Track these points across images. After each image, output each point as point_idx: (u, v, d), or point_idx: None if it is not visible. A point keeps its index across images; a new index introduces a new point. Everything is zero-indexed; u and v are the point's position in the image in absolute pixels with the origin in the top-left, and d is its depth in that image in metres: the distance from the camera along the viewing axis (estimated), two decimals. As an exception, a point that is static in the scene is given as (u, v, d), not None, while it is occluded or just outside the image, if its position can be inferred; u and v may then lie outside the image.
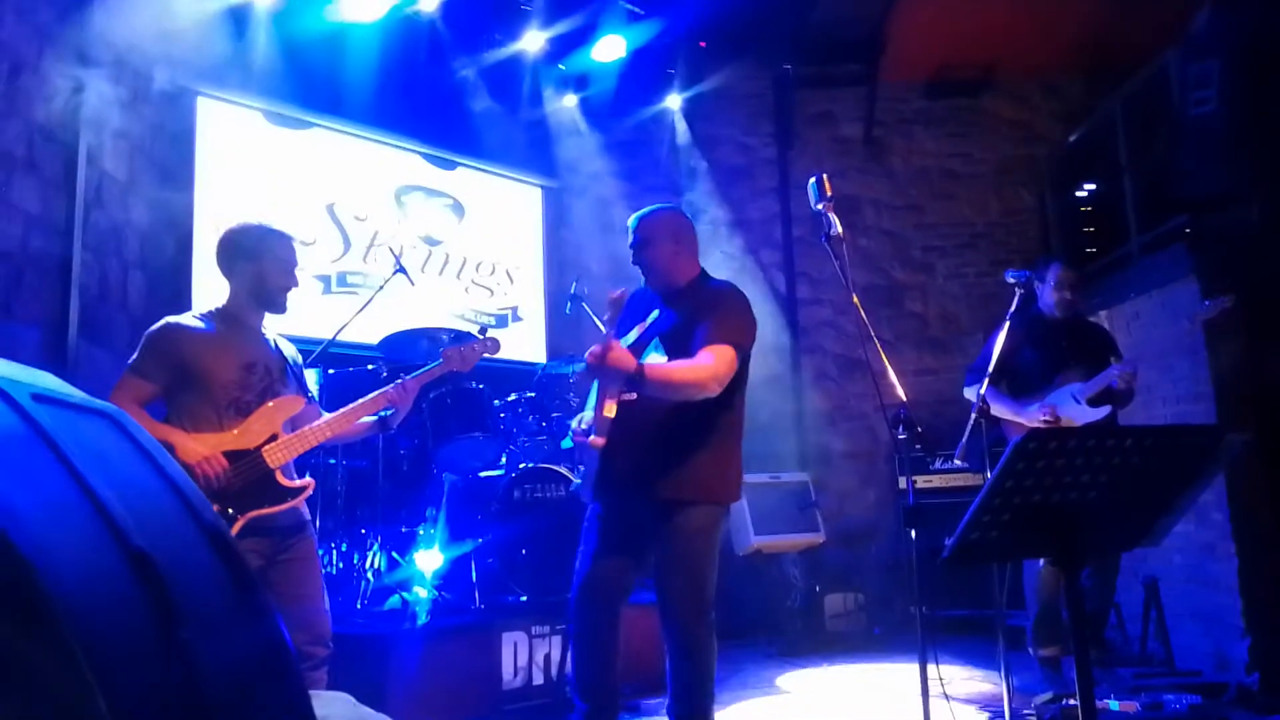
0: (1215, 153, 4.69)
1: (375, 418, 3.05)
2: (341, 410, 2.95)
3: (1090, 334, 4.32)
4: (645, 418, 2.76)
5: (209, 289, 5.07)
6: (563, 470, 4.60)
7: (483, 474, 4.65)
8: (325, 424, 2.90)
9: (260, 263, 2.87)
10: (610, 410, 2.59)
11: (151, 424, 2.69)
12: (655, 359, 2.80)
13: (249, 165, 5.45)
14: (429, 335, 4.67)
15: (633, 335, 2.94)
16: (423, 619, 3.98)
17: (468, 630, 3.99)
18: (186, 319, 2.84)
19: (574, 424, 3.01)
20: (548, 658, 4.12)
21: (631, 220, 3.10)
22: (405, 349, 4.63)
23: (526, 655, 4.06)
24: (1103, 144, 6.00)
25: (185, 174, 5.12)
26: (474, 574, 4.22)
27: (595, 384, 2.76)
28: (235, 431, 2.73)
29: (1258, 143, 4.61)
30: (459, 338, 3.26)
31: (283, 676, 0.80)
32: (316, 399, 3.20)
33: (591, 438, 2.69)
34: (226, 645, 0.76)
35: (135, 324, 4.63)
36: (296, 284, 2.97)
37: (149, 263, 4.81)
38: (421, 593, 4.19)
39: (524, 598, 4.23)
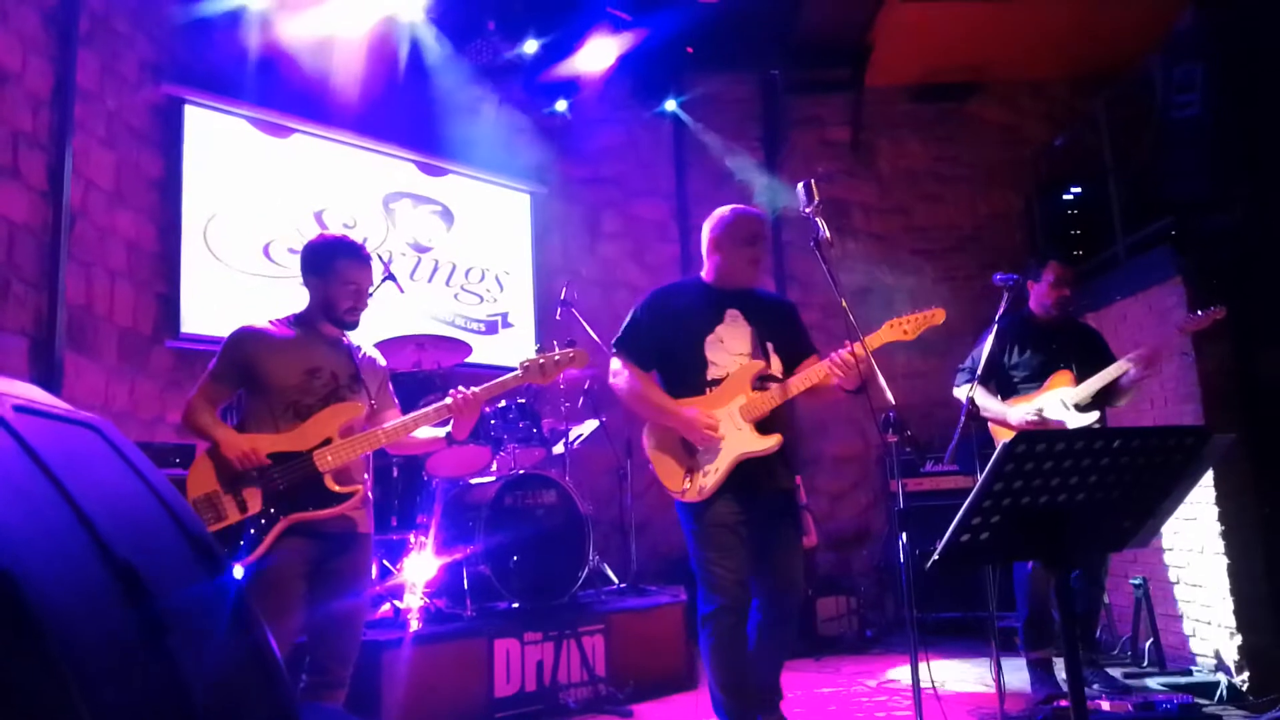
0: (1199, 155, 4.72)
1: (442, 432, 2.99)
2: (402, 419, 2.91)
3: (1082, 335, 4.29)
4: (784, 419, 3.13)
5: (197, 298, 5.06)
6: (553, 476, 4.59)
7: (474, 481, 4.64)
8: (381, 430, 2.86)
9: (326, 280, 2.92)
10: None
11: (204, 420, 2.76)
12: (777, 361, 3.19)
13: (237, 173, 5.44)
14: (417, 342, 4.66)
15: (747, 335, 3.18)
16: (414, 627, 3.96)
17: (460, 638, 3.97)
18: (262, 323, 2.89)
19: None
20: (540, 664, 4.11)
21: (762, 217, 3.33)
22: (393, 356, 4.61)
23: (519, 662, 4.05)
24: (1088, 147, 6.04)
25: (173, 183, 5.10)
26: (465, 581, 4.20)
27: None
28: (286, 434, 2.75)
29: (1241, 145, 4.65)
30: (541, 350, 3.06)
31: (270, 684, 0.79)
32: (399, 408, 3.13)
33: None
34: (212, 653, 0.75)
35: (123, 334, 4.61)
36: (364, 304, 2.98)
37: (136, 272, 4.79)
38: (413, 600, 4.17)
39: (516, 605, 4.23)
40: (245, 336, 2.85)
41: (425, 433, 2.99)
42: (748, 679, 3.09)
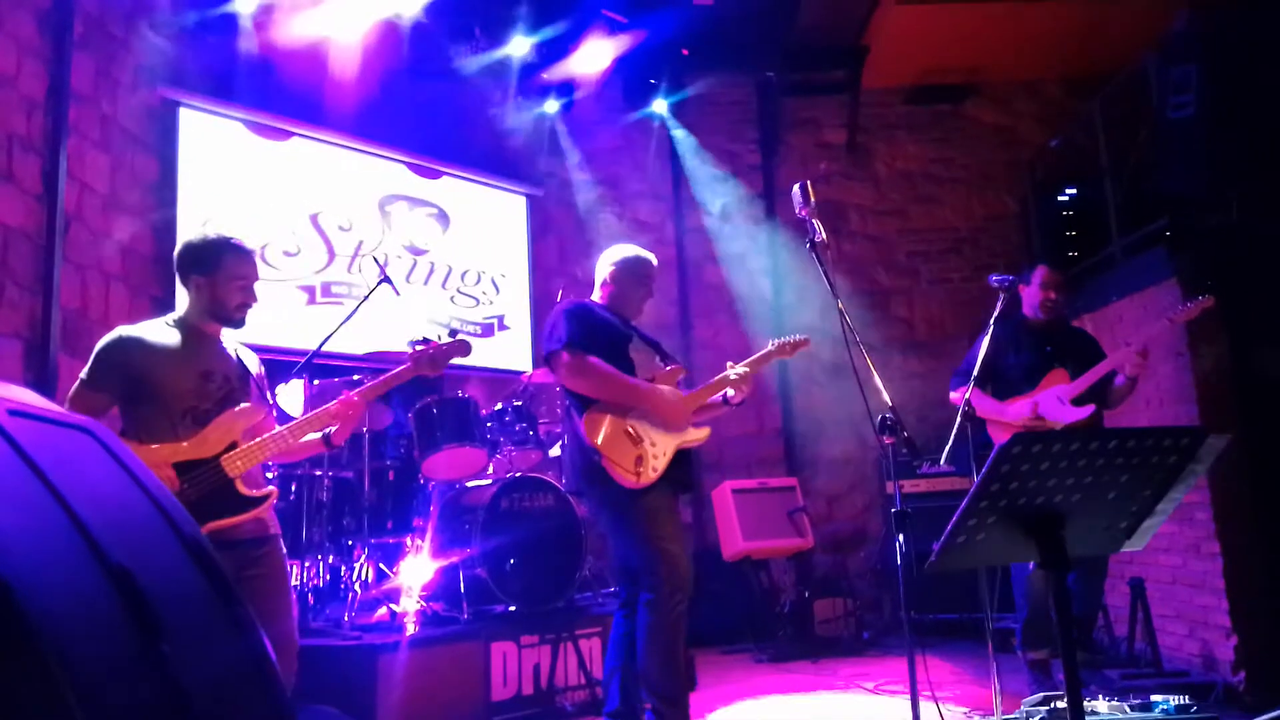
0: (1194, 155, 4.73)
1: (319, 435, 2.86)
2: (300, 419, 2.82)
3: (1074, 337, 4.34)
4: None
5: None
6: (550, 479, 4.59)
7: (470, 484, 4.63)
8: (286, 430, 2.76)
9: (214, 278, 2.76)
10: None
11: None
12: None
13: (232, 176, 5.43)
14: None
15: (652, 354, 3.46)
16: (411, 630, 3.95)
17: (456, 641, 3.96)
18: (141, 328, 2.74)
19: None
20: (537, 667, 4.10)
21: (654, 264, 3.56)
22: (393, 360, 4.61)
23: (516, 665, 4.04)
24: (1083, 148, 6.05)
25: (168, 186, 5.09)
26: (462, 584, 4.20)
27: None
28: (190, 442, 2.61)
29: (1236, 145, 4.66)
30: (426, 341, 3.06)
31: (265, 688, 0.79)
32: (276, 411, 3.03)
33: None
34: (209, 658, 0.75)
35: (118, 337, 4.60)
36: (254, 300, 2.82)
37: (131, 276, 4.78)
38: (409, 604, 4.16)
39: (513, 608, 4.22)
40: (126, 343, 2.67)
41: (307, 438, 2.88)
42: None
